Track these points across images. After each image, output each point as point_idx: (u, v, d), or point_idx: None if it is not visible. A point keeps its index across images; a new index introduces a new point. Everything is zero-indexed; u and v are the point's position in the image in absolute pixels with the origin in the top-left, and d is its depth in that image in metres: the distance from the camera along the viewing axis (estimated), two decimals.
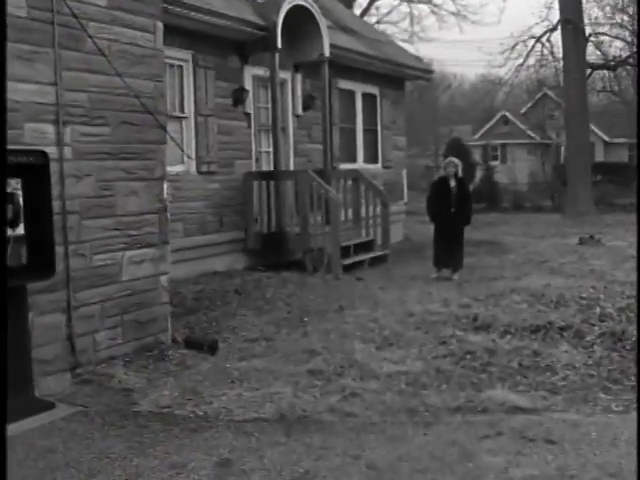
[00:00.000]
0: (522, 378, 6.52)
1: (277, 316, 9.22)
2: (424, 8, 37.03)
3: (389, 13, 37.61)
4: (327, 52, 13.75)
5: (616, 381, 6.41)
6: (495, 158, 41.23)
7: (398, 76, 17.52)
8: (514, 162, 37.75)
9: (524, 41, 26.18)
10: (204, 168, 12.10)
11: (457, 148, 26.33)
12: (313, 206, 12.40)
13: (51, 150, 6.27)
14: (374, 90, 16.99)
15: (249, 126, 13.13)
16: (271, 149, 13.02)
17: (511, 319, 8.14)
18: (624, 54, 28.14)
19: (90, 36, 6.65)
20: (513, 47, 26.22)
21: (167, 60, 11.28)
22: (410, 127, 44.81)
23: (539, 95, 44.86)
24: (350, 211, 14.03)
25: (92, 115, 6.79)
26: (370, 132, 16.95)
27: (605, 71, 32.81)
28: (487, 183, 29.41)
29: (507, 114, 45.32)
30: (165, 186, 7.66)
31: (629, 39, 27.39)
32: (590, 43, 25.64)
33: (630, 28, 27.56)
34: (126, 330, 7.19)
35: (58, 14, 6.38)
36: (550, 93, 43.54)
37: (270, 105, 12.92)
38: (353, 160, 16.27)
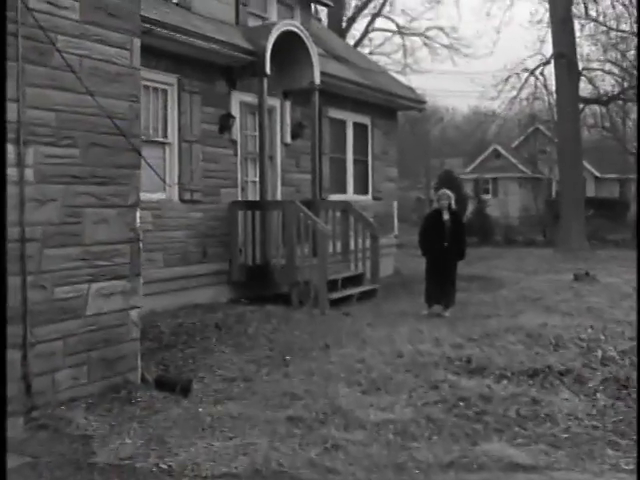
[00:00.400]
0: (520, 429, 5.93)
1: (258, 354, 8.64)
2: (417, 40, 36.72)
3: (382, 44, 37.29)
4: (317, 80, 13.29)
5: (623, 435, 5.83)
6: (487, 192, 40.88)
7: (390, 106, 17.09)
8: (506, 196, 37.38)
9: (517, 74, 25.88)
10: (187, 196, 11.56)
11: (449, 181, 25.91)
12: (300, 238, 11.86)
13: (11, 172, 5.73)
14: (365, 120, 16.54)
15: (235, 154, 12.62)
16: (257, 178, 12.49)
17: (507, 362, 7.57)
18: (616, 90, 27.84)
19: (58, 50, 6.13)
20: (506, 80, 25.89)
21: (151, 84, 10.85)
22: (401, 159, 44.50)
23: (531, 129, 44.63)
24: (339, 244, 13.49)
25: (59, 135, 6.25)
26: (361, 163, 16.47)
27: (597, 106, 32.58)
28: (479, 216, 28.97)
29: (499, 148, 45.05)
30: (138, 214, 7.08)
31: (620, 76, 27.11)
32: (582, 78, 25.30)
33: (622, 65, 27.27)
34: (91, 369, 6.58)
35: (23, 25, 5.86)
36: (542, 127, 43.36)
37: (258, 132, 12.41)
38: (343, 191, 15.77)
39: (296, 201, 12.05)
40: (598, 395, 6.68)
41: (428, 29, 36.60)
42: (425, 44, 35.59)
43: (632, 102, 26.95)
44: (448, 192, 11.32)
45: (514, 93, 26.39)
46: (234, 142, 12.56)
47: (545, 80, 25.52)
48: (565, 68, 23.11)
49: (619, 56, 30.64)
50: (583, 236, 23.73)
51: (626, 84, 30.17)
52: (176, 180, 11.39)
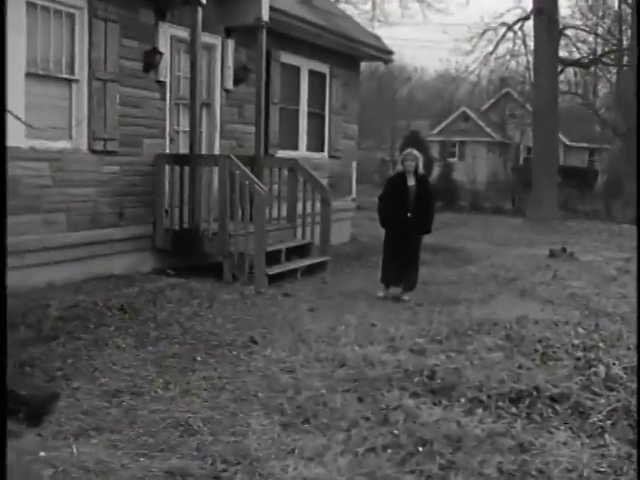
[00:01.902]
0: None
1: (164, 350, 6.64)
2: None
3: None
4: (265, 16, 11.10)
5: None
6: (453, 155, 38.94)
7: (352, 54, 14.92)
8: (474, 160, 35.46)
9: (494, 28, 23.66)
10: (99, 146, 9.40)
11: (415, 142, 23.78)
12: (234, 200, 9.80)
13: None
14: (323, 68, 14.38)
15: (163, 98, 10.44)
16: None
17: (482, 378, 5.64)
18: (597, 53, 25.83)
19: None
20: (482, 33, 23.71)
21: (52, 4, 8.66)
22: (366, 118, 42.39)
23: (501, 93, 42.77)
24: (285, 207, 11.46)
25: None
26: (316, 116, 14.35)
27: (571, 71, 30.65)
28: (445, 180, 26.98)
29: (467, 110, 43.07)
30: None
31: (604, 38, 25.08)
32: (563, 38, 23.22)
33: (604, 26, 25.30)
34: None
35: None
36: (512, 92, 41.49)
37: (190, 73, 10.22)
38: (294, 147, 13.66)
39: (231, 155, 9.93)
40: (607, 437, 4.78)
41: None
42: None
43: (613, 66, 25.02)
44: (415, 152, 9.28)
45: (490, 48, 24.26)
46: (162, 84, 10.37)
47: (524, 37, 23.44)
48: (545, 25, 21.04)
49: (596, 19, 28.75)
50: (555, 206, 21.93)
51: (606, 48, 28.30)
52: (85, 126, 9.22)
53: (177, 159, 10.22)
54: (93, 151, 9.36)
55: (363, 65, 17.80)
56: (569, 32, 24.02)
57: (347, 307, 8.67)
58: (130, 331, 7.16)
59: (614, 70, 30.45)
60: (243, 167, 9.67)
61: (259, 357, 6.39)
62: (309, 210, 11.31)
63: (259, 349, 6.67)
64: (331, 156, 14.77)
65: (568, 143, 41.25)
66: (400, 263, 9.19)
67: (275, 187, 11.42)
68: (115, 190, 9.71)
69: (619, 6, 28.76)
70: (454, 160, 35.83)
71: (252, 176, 9.67)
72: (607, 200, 26.38)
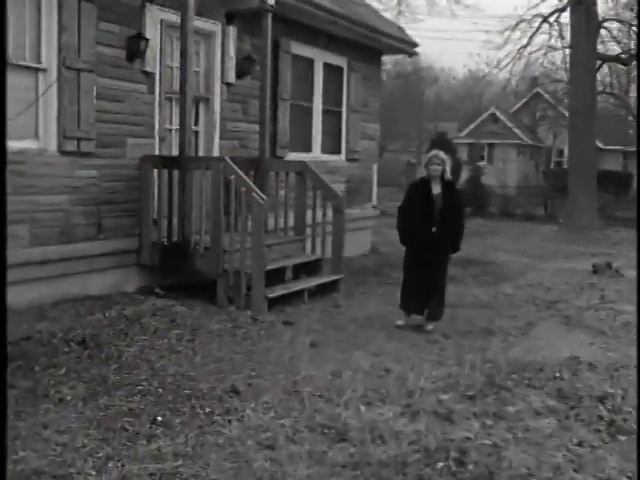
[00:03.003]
0: None
1: (119, 404, 5.14)
2: None
3: None
4: None
5: None
6: (482, 158, 37.13)
7: (373, 46, 13.34)
8: (504, 163, 33.67)
9: (529, 20, 21.78)
10: (71, 146, 7.94)
11: (443, 144, 22.08)
12: (230, 209, 8.29)
13: None
14: (340, 61, 12.82)
15: (151, 91, 8.96)
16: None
17: (530, 462, 4.09)
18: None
19: None
20: (516, 25, 21.81)
21: None
22: (392, 120, 40.87)
23: (531, 94, 40.93)
24: (292, 217, 9.94)
25: None
26: (332, 114, 12.80)
27: (605, 70, 28.69)
28: (474, 185, 25.25)
29: (496, 112, 41.17)
30: None
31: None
32: (602, 31, 21.33)
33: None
34: None
35: None
36: (543, 92, 39.62)
37: (180, 62, 8.72)
38: (307, 149, 12.13)
39: (226, 158, 8.42)
40: None
41: None
42: None
43: None
44: (442, 154, 7.68)
45: (524, 41, 22.39)
46: (149, 75, 8.89)
47: (561, 29, 21.58)
48: (583, 17, 19.29)
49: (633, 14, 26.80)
50: (593, 213, 20.15)
51: None
52: (54, 123, 7.77)
53: (166, 161, 8.72)
54: (64, 152, 7.90)
55: (389, 65, 16.39)
56: (608, 26, 22.15)
57: (359, 340, 7.12)
58: (84, 375, 5.68)
59: None
60: (239, 171, 8.15)
61: (236, 419, 4.86)
62: (320, 220, 9.76)
63: (240, 405, 5.14)
64: (349, 159, 13.22)
65: (602, 146, 39.24)
66: (423, 287, 7.60)
67: (283, 194, 9.93)
68: (91, 198, 8.25)
69: None
70: (483, 163, 34.07)
71: (249, 182, 8.15)
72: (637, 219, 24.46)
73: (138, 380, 5.67)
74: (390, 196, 24.21)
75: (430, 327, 7.67)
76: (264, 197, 8.04)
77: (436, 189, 7.56)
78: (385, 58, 16.14)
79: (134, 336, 6.79)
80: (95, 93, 8.15)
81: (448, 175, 7.60)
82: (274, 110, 10.96)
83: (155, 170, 8.68)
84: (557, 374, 5.72)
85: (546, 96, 38.54)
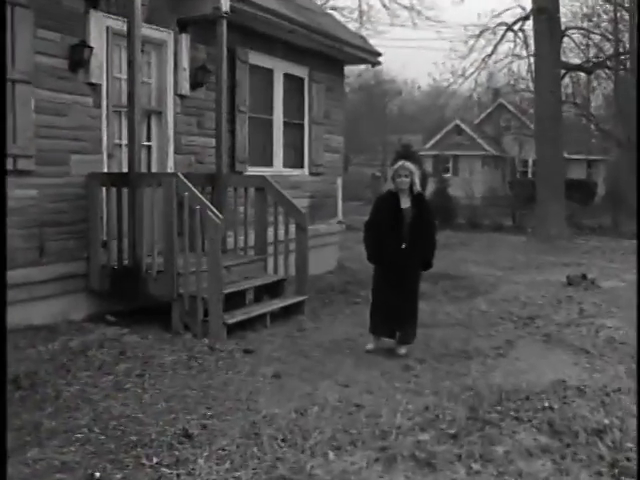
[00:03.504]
0: None
1: (50, 457, 4.45)
2: (375, 2, 32.02)
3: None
4: (225, 5, 9.03)
5: None
6: (447, 170, 36.79)
7: (335, 56, 12.78)
8: (471, 175, 33.33)
9: (493, 28, 21.40)
10: (8, 165, 7.21)
11: (407, 156, 21.51)
12: (184, 229, 7.63)
13: None
14: (301, 72, 12.24)
15: (97, 104, 8.26)
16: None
17: None
18: (601, 56, 23.64)
19: None
20: (480, 34, 21.44)
21: None
22: (356, 133, 40.43)
23: (494, 105, 40.83)
24: (252, 236, 9.29)
25: None
26: (294, 127, 12.19)
27: (567, 78, 28.47)
28: (441, 197, 24.78)
29: (460, 123, 40.96)
30: None
31: (608, 39, 22.90)
32: (565, 39, 21.02)
33: (606, 30, 23.19)
34: None
35: None
36: (506, 103, 39.54)
37: (127, 73, 8.06)
38: (268, 163, 11.50)
39: (178, 174, 7.76)
40: None
41: None
42: (384, 5, 30.96)
43: (615, 70, 22.87)
44: (409, 165, 7.09)
45: (489, 50, 21.99)
46: (95, 87, 8.20)
47: (525, 37, 21.24)
48: (546, 25, 18.96)
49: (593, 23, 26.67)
50: (562, 222, 19.77)
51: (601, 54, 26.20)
52: None
53: (114, 179, 8.04)
54: None
55: (351, 78, 15.76)
56: (571, 35, 21.85)
57: (326, 369, 6.48)
58: (13, 422, 4.96)
59: (608, 79, 28.43)
60: (192, 188, 7.50)
61: (186, 472, 4.19)
62: (282, 238, 9.13)
63: (191, 453, 4.48)
64: (312, 173, 12.62)
65: (567, 155, 39.17)
66: (394, 308, 6.98)
67: (242, 210, 9.29)
68: (32, 220, 7.53)
69: (614, 10, 26.76)
70: (449, 175, 33.72)
71: (204, 199, 7.50)
72: (614, 214, 24.26)
73: (77, 426, 4.99)
74: (356, 210, 23.73)
75: (403, 351, 7.06)
76: (220, 215, 7.39)
77: (405, 203, 6.97)
78: (347, 71, 15.65)
79: (77, 372, 6.10)
80: (33, 106, 7.45)
81: (417, 187, 7.02)
82: (232, 123, 10.34)
83: (103, 188, 8.01)
84: (545, 403, 5.14)
85: (509, 107, 38.47)
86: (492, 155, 40.20)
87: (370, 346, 7.20)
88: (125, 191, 7.86)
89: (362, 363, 6.74)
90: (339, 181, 13.63)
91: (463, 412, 5.02)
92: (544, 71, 19.31)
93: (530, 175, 38.68)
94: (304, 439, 4.53)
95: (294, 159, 12.23)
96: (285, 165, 11.86)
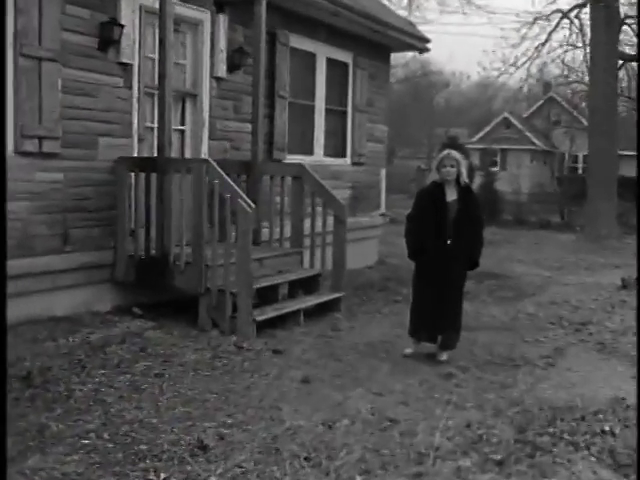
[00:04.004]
0: None
1: (51, 466, 4.03)
2: None
3: None
4: None
5: None
6: (494, 164, 35.85)
7: (380, 41, 12.19)
8: (519, 169, 32.38)
9: (547, 16, 20.46)
10: (31, 146, 6.84)
11: (454, 149, 20.86)
12: (214, 219, 7.17)
13: None
14: (345, 57, 11.69)
15: (128, 85, 7.84)
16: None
17: None
18: None
19: None
20: (534, 21, 20.48)
21: None
22: (402, 126, 39.63)
23: (544, 98, 39.67)
24: (288, 228, 8.80)
25: None
26: (336, 114, 11.66)
27: (623, 71, 27.32)
28: (487, 191, 24.00)
29: (509, 116, 39.94)
30: None
31: None
32: (624, 28, 19.99)
33: None
34: None
35: None
36: (556, 96, 38.39)
37: (158, 53, 7.62)
38: (308, 151, 10.99)
39: (209, 160, 7.30)
40: None
41: None
42: None
43: None
44: (455, 154, 6.51)
45: (542, 38, 21.05)
46: (126, 67, 7.78)
47: (582, 26, 20.28)
48: (603, 14, 18.09)
49: None
50: (613, 221, 18.91)
51: None
52: (11, 118, 6.67)
53: (142, 164, 7.60)
54: (22, 153, 6.79)
55: (397, 69, 15.08)
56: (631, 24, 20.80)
57: (359, 374, 5.97)
58: (18, 423, 4.56)
59: None
60: (223, 175, 7.03)
61: None
62: (320, 230, 8.62)
63: (204, 469, 4.01)
64: (355, 162, 12.07)
65: (619, 152, 37.90)
66: (436, 311, 6.42)
67: (278, 200, 8.80)
68: (55, 205, 7.14)
69: None
70: (496, 169, 32.83)
71: (235, 187, 7.02)
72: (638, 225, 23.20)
73: (85, 430, 4.56)
74: (400, 203, 23.04)
75: (444, 357, 6.51)
76: (252, 204, 6.90)
77: (451, 195, 6.40)
78: (393, 61, 15.04)
79: (92, 370, 5.68)
80: (60, 86, 7.05)
81: (464, 178, 6.44)
82: (270, 108, 9.85)
83: (132, 174, 7.58)
84: (605, 426, 4.55)
85: (560, 100, 37.33)
86: (541, 150, 39.12)
87: (408, 350, 6.66)
88: (153, 177, 7.43)
89: (399, 369, 6.21)
90: (382, 172, 13.06)
91: (510, 432, 4.46)
92: (600, 61, 18.44)
93: (580, 171, 37.56)
94: (329, 459, 4.03)
95: (335, 148, 11.70)
96: (326, 154, 11.34)
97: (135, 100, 7.93)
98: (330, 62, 11.30)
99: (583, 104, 26.18)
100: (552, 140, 39.15)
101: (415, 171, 36.34)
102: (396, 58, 16.02)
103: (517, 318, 8.62)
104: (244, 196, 6.94)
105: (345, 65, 11.71)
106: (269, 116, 9.84)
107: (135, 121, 7.95)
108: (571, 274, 12.69)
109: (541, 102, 40.41)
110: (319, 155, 11.16)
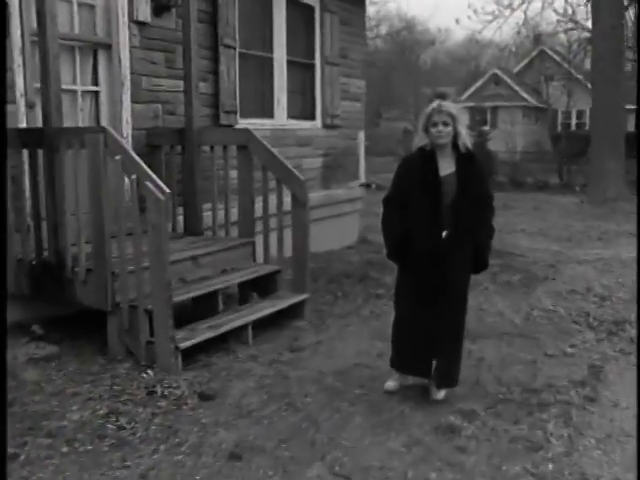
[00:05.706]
0: None
1: None
2: None
3: None
4: None
5: None
6: (484, 123, 33.67)
7: None
8: (513, 127, 30.27)
9: None
10: None
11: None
12: (119, 208, 5.13)
13: None
14: None
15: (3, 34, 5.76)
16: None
17: None
18: None
19: None
20: None
21: None
22: (388, 87, 37.44)
23: (535, 52, 37.36)
24: (234, 211, 6.77)
25: None
26: (301, 68, 9.54)
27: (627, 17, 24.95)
28: (480, 152, 21.90)
29: (499, 72, 37.62)
30: None
31: None
32: None
33: None
34: None
35: None
36: (548, 50, 36.09)
37: None
38: (268, 114, 8.89)
39: (108, 128, 5.21)
40: None
41: None
42: None
43: None
44: (450, 105, 4.41)
45: None
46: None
47: None
48: None
49: None
50: (621, 181, 16.90)
51: None
52: None
53: (28, 137, 5.55)
54: None
55: (382, 29, 12.84)
56: None
57: (319, 435, 4.00)
58: None
59: None
60: (128, 148, 4.98)
61: None
62: (275, 211, 6.59)
63: None
64: (326, 125, 9.97)
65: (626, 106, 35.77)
66: (429, 333, 4.41)
67: (223, 176, 6.76)
68: None
69: None
70: (486, 128, 30.71)
71: (142, 165, 4.94)
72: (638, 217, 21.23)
73: None
74: (386, 167, 21.01)
75: (440, 396, 4.52)
76: (165, 189, 4.84)
77: (446, 167, 4.35)
78: (374, 15, 12.85)
79: None
80: None
81: (464, 141, 4.39)
82: (214, 62, 7.76)
83: (13, 151, 5.53)
84: None
85: (552, 54, 35.07)
86: (533, 106, 36.93)
87: (391, 385, 4.68)
88: (40, 153, 5.39)
89: (378, 421, 4.24)
90: (361, 135, 10.97)
91: None
92: (602, 11, 16.30)
93: (574, 127, 35.55)
94: None
95: (303, 109, 9.60)
96: (290, 116, 9.23)
97: (18, 54, 5.84)
98: (292, 4, 9.14)
99: (583, 54, 24.02)
100: (545, 96, 36.93)
101: (402, 133, 34.15)
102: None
103: (531, 317, 6.65)
104: (155, 178, 4.88)
105: (311, 8, 9.56)
106: (213, 71, 7.77)
107: (20, 81, 5.87)
108: (583, 247, 10.72)
109: (532, 55, 38.06)
110: (282, 118, 9.06)
